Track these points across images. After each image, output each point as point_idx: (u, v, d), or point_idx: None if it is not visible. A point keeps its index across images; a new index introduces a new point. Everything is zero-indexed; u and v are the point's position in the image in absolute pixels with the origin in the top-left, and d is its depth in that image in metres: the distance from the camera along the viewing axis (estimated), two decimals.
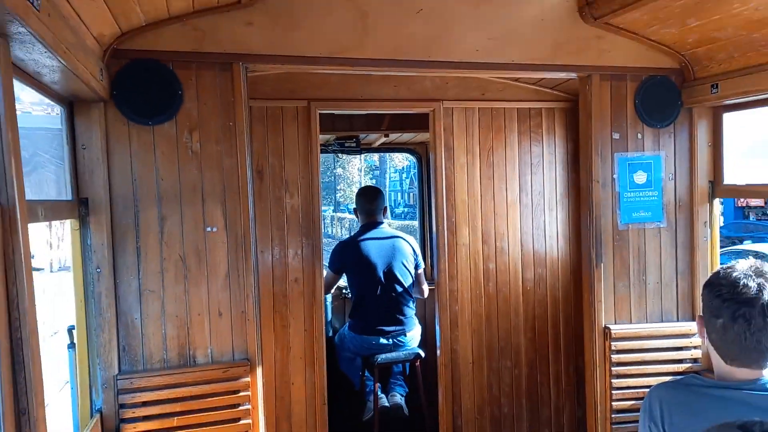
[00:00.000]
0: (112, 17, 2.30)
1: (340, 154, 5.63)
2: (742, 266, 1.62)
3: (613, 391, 3.39)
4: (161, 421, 2.69)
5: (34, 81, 2.00)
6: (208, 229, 2.75)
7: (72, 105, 2.52)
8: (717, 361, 1.67)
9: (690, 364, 3.44)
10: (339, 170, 36.69)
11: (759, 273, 1.58)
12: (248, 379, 2.80)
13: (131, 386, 2.65)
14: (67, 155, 2.50)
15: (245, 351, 2.82)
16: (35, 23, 1.52)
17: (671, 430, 1.69)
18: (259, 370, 2.85)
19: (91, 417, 2.61)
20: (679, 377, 1.85)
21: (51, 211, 2.20)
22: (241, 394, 2.80)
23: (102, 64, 2.46)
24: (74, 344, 2.68)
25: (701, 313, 1.71)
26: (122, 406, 2.65)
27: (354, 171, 36.41)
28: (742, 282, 1.56)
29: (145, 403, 2.67)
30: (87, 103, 2.53)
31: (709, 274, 1.77)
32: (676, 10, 2.82)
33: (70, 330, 2.72)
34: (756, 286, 1.55)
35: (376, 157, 33.45)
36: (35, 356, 1.61)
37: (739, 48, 2.98)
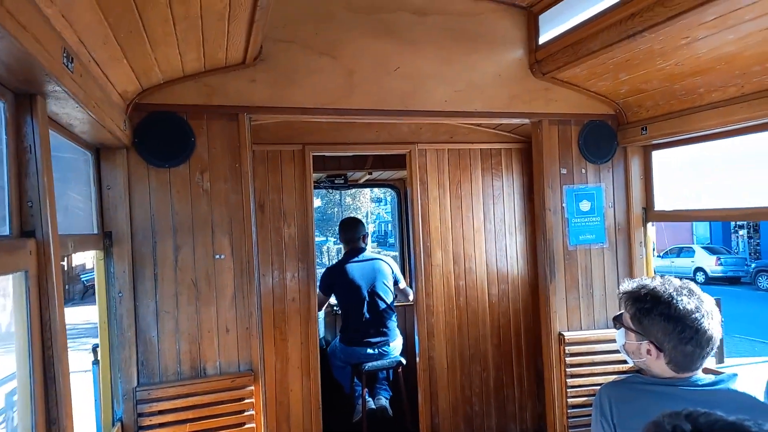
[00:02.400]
0: (135, 77, 2.30)
1: (343, 189, 5.63)
2: (678, 290, 1.63)
3: (569, 389, 3.38)
4: (175, 427, 2.62)
5: (66, 131, 1.99)
6: (217, 256, 2.73)
7: (98, 151, 2.51)
8: (662, 369, 1.67)
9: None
10: (348, 199, 34.82)
11: (692, 293, 1.63)
12: (252, 387, 2.75)
13: (149, 397, 2.59)
14: (94, 194, 2.48)
15: (249, 363, 2.77)
16: (69, 83, 1.53)
17: (619, 422, 1.69)
18: (261, 380, 2.80)
19: (113, 425, 2.54)
20: (624, 376, 1.85)
21: (79, 243, 2.17)
22: (246, 401, 2.74)
23: (125, 116, 2.45)
24: (98, 361, 2.62)
25: (649, 339, 1.66)
26: (140, 414, 2.58)
27: (365, 200, 34.62)
28: (701, 309, 1.60)
29: (161, 412, 2.61)
30: (112, 150, 2.52)
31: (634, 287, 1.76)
32: (609, 66, 2.91)
33: (94, 348, 2.66)
34: (706, 309, 1.60)
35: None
36: (65, 372, 1.57)
37: (663, 97, 3.07)
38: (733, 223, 26.65)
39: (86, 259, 24.89)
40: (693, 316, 1.59)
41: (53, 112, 1.70)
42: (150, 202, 2.63)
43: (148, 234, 2.62)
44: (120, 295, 2.56)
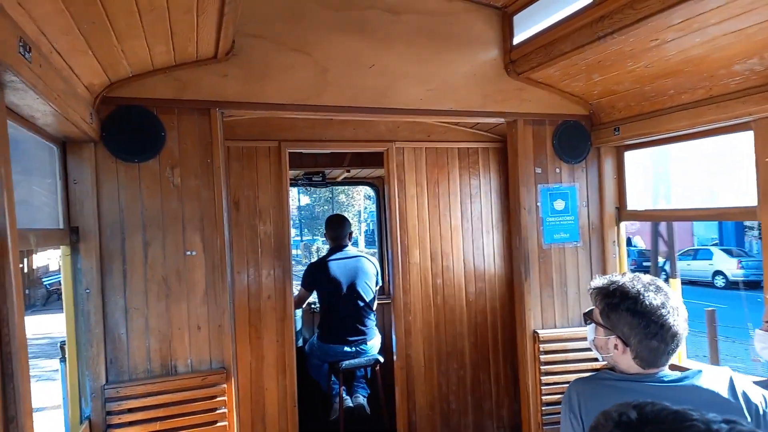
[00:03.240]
0: (101, 69, 2.26)
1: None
2: (646, 285, 1.66)
3: (543, 387, 3.41)
4: (145, 425, 2.58)
5: (28, 123, 1.95)
6: (188, 252, 2.70)
7: (64, 144, 2.46)
8: (629, 364, 1.69)
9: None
10: (342, 197, 33.69)
11: (659, 289, 1.65)
12: (224, 385, 2.73)
13: (117, 395, 2.55)
14: (60, 189, 2.43)
15: (222, 360, 2.74)
16: (27, 73, 1.49)
17: (586, 418, 1.71)
18: (234, 378, 2.77)
19: (81, 424, 2.49)
20: (593, 372, 1.88)
21: (43, 238, 2.13)
22: (218, 399, 2.72)
23: (92, 109, 2.41)
24: (65, 358, 2.57)
25: (616, 334, 1.68)
26: (109, 413, 2.54)
27: (359, 198, 33.37)
28: (667, 305, 1.62)
29: (130, 410, 2.57)
30: (78, 143, 2.47)
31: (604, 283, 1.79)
32: (582, 67, 2.93)
33: (61, 345, 2.61)
34: (672, 304, 1.62)
35: None
36: (24, 369, 1.54)
37: (634, 98, 3.11)
38: (745, 223, 26.57)
39: (50, 260, 23.07)
40: (659, 312, 1.61)
41: (13, 103, 1.67)
42: (119, 197, 2.59)
43: (116, 229, 2.58)
44: (87, 291, 2.51)
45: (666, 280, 8.98)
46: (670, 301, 1.64)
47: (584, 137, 3.50)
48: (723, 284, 20.91)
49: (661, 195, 3.57)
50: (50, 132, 2.19)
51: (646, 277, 1.71)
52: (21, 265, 1.59)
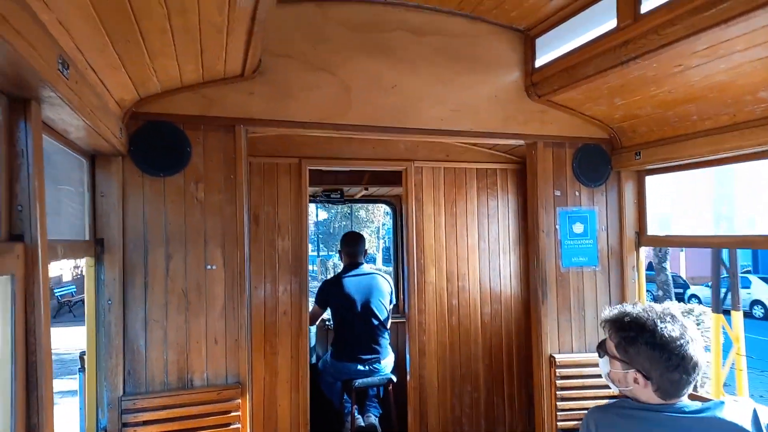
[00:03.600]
0: (132, 85, 2.32)
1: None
2: (662, 317, 1.64)
3: (558, 412, 3.35)
4: None
5: (61, 137, 2.00)
6: (209, 267, 2.72)
7: (94, 158, 2.51)
8: (649, 396, 1.67)
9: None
10: (362, 213, 33.31)
11: (675, 319, 1.64)
12: (239, 400, 2.72)
13: (134, 407, 2.56)
14: (88, 201, 2.48)
15: (237, 375, 2.75)
16: (64, 89, 1.54)
17: None
18: (249, 393, 2.77)
19: None
20: (611, 401, 1.85)
21: (70, 249, 2.16)
22: (233, 414, 2.71)
23: (121, 124, 2.47)
24: (84, 368, 2.59)
25: (635, 368, 1.67)
26: (125, 424, 2.55)
27: (379, 214, 32.75)
28: (685, 336, 1.61)
29: (145, 422, 2.58)
30: (107, 157, 2.53)
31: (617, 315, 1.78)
32: (604, 91, 2.94)
33: (81, 355, 2.64)
34: (689, 336, 1.61)
35: None
36: (47, 378, 1.56)
37: (656, 123, 3.10)
38: None
39: (62, 271, 23.72)
40: (678, 342, 1.60)
41: (48, 118, 1.71)
42: (143, 211, 2.64)
43: (140, 242, 2.62)
44: (109, 302, 2.54)
45: (726, 313, 8.75)
46: (688, 330, 1.62)
47: (605, 161, 3.49)
48: (762, 314, 19.89)
49: (682, 220, 3.53)
50: (81, 146, 2.25)
51: (659, 307, 1.69)
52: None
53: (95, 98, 1.94)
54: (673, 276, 23.77)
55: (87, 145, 2.26)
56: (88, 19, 1.59)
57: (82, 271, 24.22)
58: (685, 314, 7.99)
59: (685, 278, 24.34)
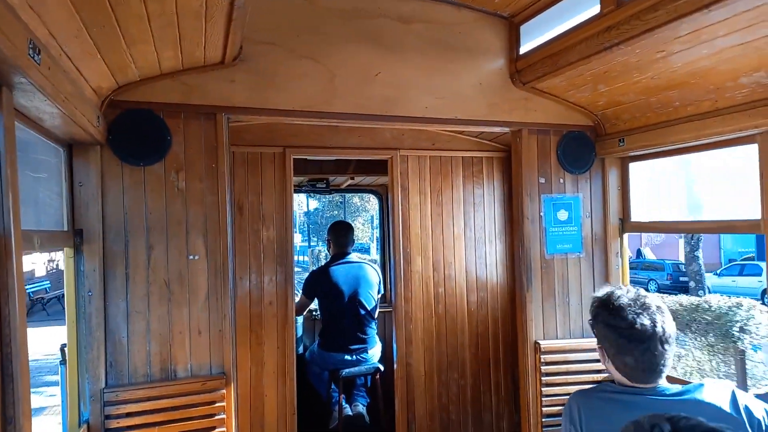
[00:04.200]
0: (109, 73, 2.27)
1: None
2: (626, 300, 1.66)
3: (543, 398, 3.38)
4: (144, 430, 2.56)
5: (35, 125, 1.95)
6: (191, 257, 2.69)
7: (71, 147, 2.46)
8: (621, 380, 1.70)
9: (607, 374, 3.46)
10: (356, 200, 32.45)
11: (644, 306, 1.64)
12: (224, 391, 2.71)
13: (116, 398, 2.53)
14: (65, 191, 2.43)
15: (222, 366, 2.73)
16: (36, 75, 1.50)
17: (587, 430, 1.69)
18: (233, 383, 2.76)
19: (79, 427, 2.48)
20: (594, 385, 1.86)
21: (47, 240, 2.12)
22: (217, 404, 2.70)
23: (99, 112, 2.41)
24: (65, 360, 2.56)
25: (600, 344, 1.74)
26: (108, 417, 2.52)
27: (375, 202, 33.01)
28: (638, 322, 1.61)
29: (129, 414, 2.55)
30: (85, 146, 2.48)
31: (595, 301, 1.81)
32: (588, 78, 2.93)
33: (62, 348, 2.60)
34: (650, 323, 1.61)
35: None
36: (24, 370, 1.53)
37: (639, 109, 3.11)
38: None
39: (34, 265, 21.93)
40: (631, 330, 1.61)
41: (21, 105, 1.67)
42: (123, 201, 2.59)
43: (120, 232, 2.58)
44: (89, 294, 2.51)
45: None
46: (648, 317, 1.62)
47: (589, 148, 3.50)
48: None
49: (666, 206, 3.55)
50: (57, 134, 2.20)
51: (633, 292, 1.71)
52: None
53: (70, 85, 1.89)
54: (677, 264, 23.32)
55: (63, 133, 2.21)
56: (61, 3, 1.55)
57: (57, 265, 23.10)
58: (732, 309, 7.57)
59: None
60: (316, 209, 37.33)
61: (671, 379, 1.71)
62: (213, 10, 1.92)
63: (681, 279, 21.53)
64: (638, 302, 1.65)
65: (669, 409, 1.58)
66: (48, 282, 20.68)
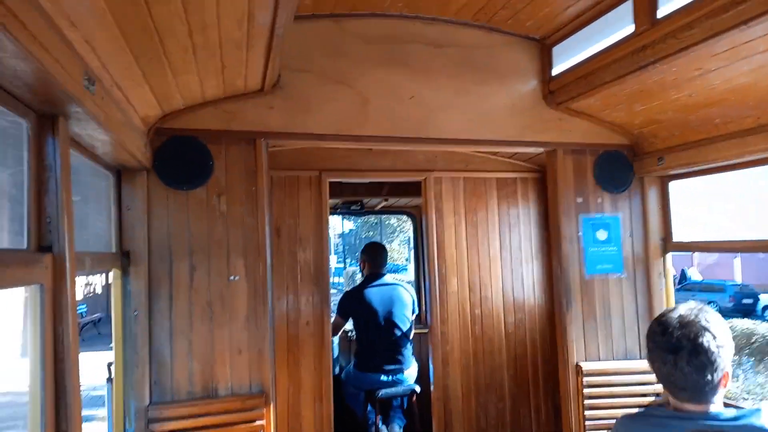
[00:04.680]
0: (156, 102, 2.39)
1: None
2: (673, 315, 1.61)
3: (587, 422, 3.28)
4: None
5: (88, 152, 2.07)
6: (231, 278, 2.76)
7: (119, 172, 2.59)
8: (672, 401, 1.64)
9: (653, 397, 3.34)
10: (393, 220, 32.28)
11: (684, 324, 1.56)
12: (263, 409, 2.74)
13: (160, 416, 2.59)
14: (114, 214, 2.55)
15: (261, 384, 2.77)
16: (90, 105, 1.59)
17: None
18: (272, 402, 2.79)
19: None
20: (642, 408, 1.80)
21: (97, 261, 2.22)
22: (257, 423, 2.73)
23: (146, 139, 2.53)
24: (112, 378, 2.64)
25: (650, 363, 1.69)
26: None
27: (411, 223, 32.36)
28: (668, 331, 1.57)
29: (172, 431, 2.61)
30: (132, 171, 2.60)
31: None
32: (623, 97, 2.90)
33: (108, 366, 2.69)
34: (688, 333, 1.54)
35: None
36: (75, 385, 1.60)
37: (678, 128, 3.05)
38: None
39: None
40: (663, 337, 1.56)
41: (75, 133, 1.77)
42: (167, 223, 2.69)
43: (165, 254, 2.67)
44: (135, 313, 2.60)
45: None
46: (689, 328, 1.53)
47: (626, 167, 3.44)
48: None
49: (709, 225, 3.45)
50: (107, 160, 2.31)
51: (694, 307, 1.63)
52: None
53: (120, 114, 2.00)
54: (738, 285, 22.12)
55: (113, 159, 2.32)
56: (113, 37, 1.65)
57: (94, 289, 22.89)
58: None
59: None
60: (351, 231, 37.41)
61: (728, 405, 1.64)
62: (253, 40, 2.00)
63: (744, 301, 20.49)
64: (688, 317, 1.58)
65: None
66: (85, 306, 20.40)
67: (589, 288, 3.38)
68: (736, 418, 1.55)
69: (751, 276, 24.40)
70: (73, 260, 1.62)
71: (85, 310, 19.35)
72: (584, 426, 3.27)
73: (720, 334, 1.55)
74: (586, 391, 3.28)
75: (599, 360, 3.35)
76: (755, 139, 2.62)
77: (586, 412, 3.28)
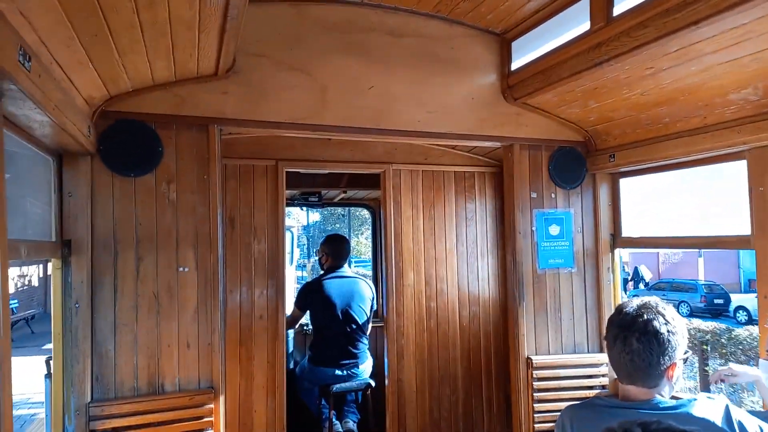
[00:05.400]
0: (101, 82, 2.27)
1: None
2: (634, 301, 1.65)
3: (536, 414, 3.35)
4: None
5: (25, 134, 1.94)
6: (181, 269, 2.67)
7: (61, 157, 2.45)
8: (616, 381, 1.69)
9: (599, 390, 3.45)
10: (365, 212, 32.62)
11: (643, 305, 1.61)
12: (212, 405, 2.66)
13: (102, 413, 2.48)
14: (54, 201, 2.41)
15: (210, 380, 2.69)
16: (25, 82, 1.49)
17: None
18: (222, 398, 2.71)
19: None
20: (587, 399, 1.84)
21: (34, 250, 2.09)
22: (205, 419, 2.65)
23: (90, 122, 2.40)
24: (50, 374, 2.51)
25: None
26: (93, 431, 2.47)
27: None
28: (623, 311, 1.61)
29: (114, 429, 2.50)
30: (75, 156, 2.46)
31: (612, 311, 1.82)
32: (578, 94, 2.96)
33: (47, 360, 2.56)
34: (633, 314, 1.59)
35: None
36: (6, 374, 1.49)
37: (630, 125, 3.14)
38: None
39: None
40: (617, 316, 1.62)
41: (10, 113, 1.66)
42: (113, 211, 2.57)
43: (109, 244, 2.55)
44: (77, 306, 2.47)
45: None
46: (640, 310, 1.59)
47: (580, 163, 3.52)
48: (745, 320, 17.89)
49: (655, 221, 3.57)
50: (47, 144, 2.18)
51: (651, 299, 1.68)
52: None
53: (61, 94, 1.88)
54: (709, 284, 21.64)
55: (53, 143, 2.19)
56: (52, 10, 1.54)
57: (29, 280, 20.24)
58: None
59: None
60: (315, 222, 36.66)
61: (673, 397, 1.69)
62: (206, 21, 1.92)
63: (716, 301, 20.31)
64: (646, 304, 1.62)
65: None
66: (17, 301, 17.09)
67: (541, 282, 3.45)
68: (674, 407, 1.60)
69: (712, 275, 24.93)
70: (5, 247, 1.51)
71: (17, 305, 16.75)
72: (533, 418, 3.35)
73: (673, 323, 1.59)
74: (535, 383, 3.35)
75: (549, 353, 3.43)
76: (702, 138, 2.72)
77: (536, 405, 3.36)
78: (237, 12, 1.92)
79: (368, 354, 4.60)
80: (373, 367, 4.66)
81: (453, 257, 4.14)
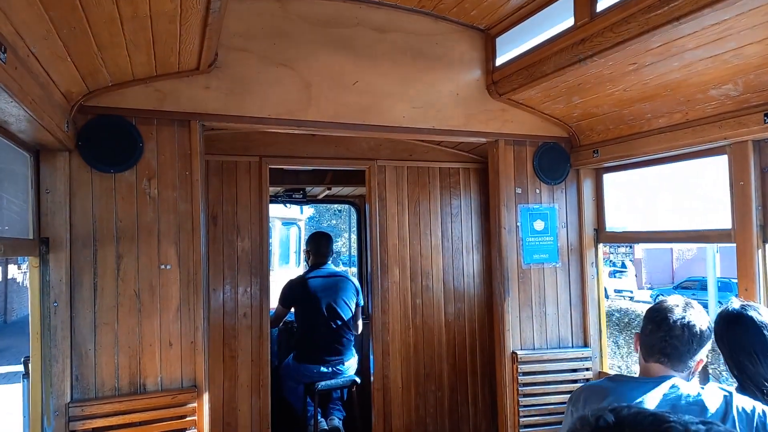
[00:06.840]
0: (80, 77, 2.23)
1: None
2: (678, 298, 1.79)
3: (521, 408, 3.38)
4: None
5: (1, 129, 1.90)
6: (162, 266, 2.64)
7: (38, 152, 2.40)
8: (640, 361, 1.79)
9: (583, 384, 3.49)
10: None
11: (687, 304, 1.75)
12: (195, 404, 2.64)
13: (82, 413, 2.45)
14: (32, 198, 2.36)
15: (193, 379, 2.67)
16: (1, 74, 1.46)
17: (575, 409, 1.74)
18: (205, 397, 2.69)
19: None
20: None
21: (11, 247, 2.06)
22: (188, 419, 2.63)
23: (68, 117, 2.36)
24: (28, 374, 2.47)
25: (637, 331, 1.85)
26: None
27: None
28: (670, 304, 1.75)
29: (95, 430, 2.47)
30: (53, 152, 2.42)
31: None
32: (562, 89, 2.99)
33: (25, 360, 2.51)
34: (681, 308, 1.73)
35: None
36: None
37: (613, 121, 3.18)
38: None
39: None
40: (662, 315, 1.72)
41: None
42: (92, 208, 2.53)
43: (88, 241, 2.52)
44: (55, 305, 2.43)
45: None
46: (686, 313, 1.71)
47: (564, 159, 3.56)
48: None
49: (638, 216, 3.63)
50: (23, 139, 2.14)
51: (687, 300, 1.79)
52: None
53: (38, 88, 1.85)
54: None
55: (30, 138, 2.15)
56: (29, 3, 1.52)
57: None
58: None
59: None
60: (310, 218, 36.26)
61: None
62: (188, 14, 1.90)
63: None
64: (689, 302, 1.76)
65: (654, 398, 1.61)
66: None
67: (526, 277, 3.48)
68: (696, 395, 1.63)
69: (727, 271, 25.07)
70: None
71: None
72: (519, 413, 3.38)
73: (708, 325, 1.74)
74: (521, 378, 3.38)
75: (534, 348, 3.46)
76: (683, 133, 2.76)
77: (521, 399, 3.39)
78: (220, 5, 1.90)
79: (354, 351, 4.60)
80: (359, 363, 4.67)
81: (438, 253, 4.16)
